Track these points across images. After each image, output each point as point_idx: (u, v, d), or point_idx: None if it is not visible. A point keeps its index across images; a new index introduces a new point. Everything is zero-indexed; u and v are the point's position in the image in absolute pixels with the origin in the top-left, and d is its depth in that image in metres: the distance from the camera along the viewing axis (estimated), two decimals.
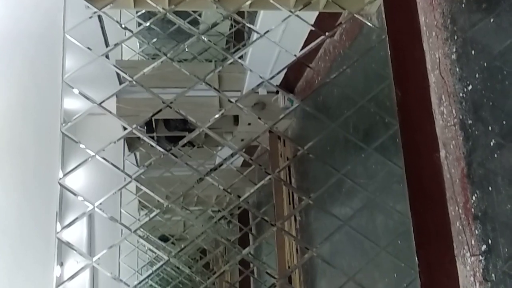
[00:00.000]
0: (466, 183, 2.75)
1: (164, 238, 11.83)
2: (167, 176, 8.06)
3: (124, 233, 2.97)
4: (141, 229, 3.21)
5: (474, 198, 2.69)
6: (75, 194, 2.98)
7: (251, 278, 8.80)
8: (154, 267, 3.08)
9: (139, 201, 9.25)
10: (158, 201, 9.85)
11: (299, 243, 6.30)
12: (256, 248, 8.58)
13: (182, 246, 8.37)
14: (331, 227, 5.12)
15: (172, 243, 10.97)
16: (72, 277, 2.85)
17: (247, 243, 9.64)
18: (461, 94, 2.80)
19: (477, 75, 2.67)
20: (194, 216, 9.24)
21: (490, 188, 2.57)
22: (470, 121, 2.73)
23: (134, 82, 2.98)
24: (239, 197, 9.36)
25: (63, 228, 3.04)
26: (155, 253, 4.00)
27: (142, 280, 3.23)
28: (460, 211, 2.81)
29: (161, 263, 2.99)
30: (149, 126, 7.57)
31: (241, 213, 9.60)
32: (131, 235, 3.05)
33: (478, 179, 2.66)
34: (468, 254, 2.76)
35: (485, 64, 2.61)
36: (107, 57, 4.05)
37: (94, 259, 2.89)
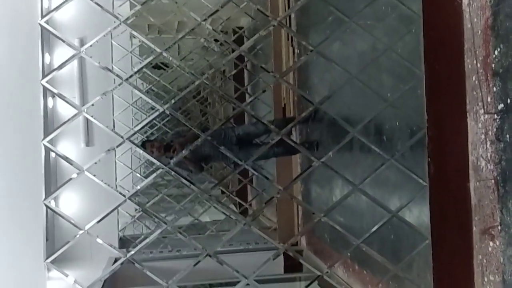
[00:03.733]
0: (489, 35, 2.51)
1: (157, 67, 11.62)
2: (158, 4, 7.64)
3: (117, 82, 2.77)
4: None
5: (496, 52, 2.47)
6: (62, 40, 2.71)
7: (245, 114, 8.79)
8: (148, 118, 2.93)
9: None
10: (149, 28, 9.42)
11: (299, 92, 6.13)
12: (254, 85, 8.43)
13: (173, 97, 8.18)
14: (332, 72, 4.93)
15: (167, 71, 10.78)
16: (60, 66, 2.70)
17: (242, 79, 9.48)
18: None
19: None
20: (188, 48, 8.95)
21: None
22: None
23: None
24: (235, 32, 8.92)
25: (49, 73, 2.83)
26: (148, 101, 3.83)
27: (138, 131, 3.10)
28: (479, 65, 2.60)
29: (155, 114, 2.85)
30: None
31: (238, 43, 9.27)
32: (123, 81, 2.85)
33: (504, 32, 2.41)
34: (481, 111, 2.60)
35: None
36: None
37: (85, 108, 2.72)
